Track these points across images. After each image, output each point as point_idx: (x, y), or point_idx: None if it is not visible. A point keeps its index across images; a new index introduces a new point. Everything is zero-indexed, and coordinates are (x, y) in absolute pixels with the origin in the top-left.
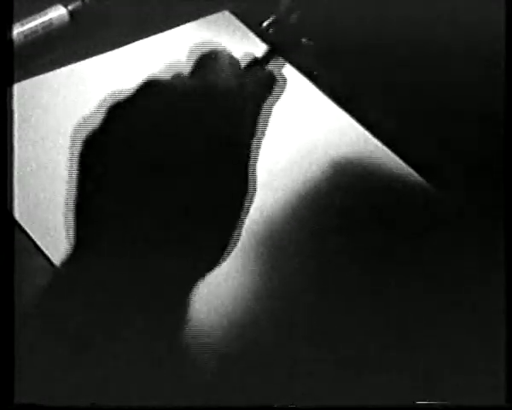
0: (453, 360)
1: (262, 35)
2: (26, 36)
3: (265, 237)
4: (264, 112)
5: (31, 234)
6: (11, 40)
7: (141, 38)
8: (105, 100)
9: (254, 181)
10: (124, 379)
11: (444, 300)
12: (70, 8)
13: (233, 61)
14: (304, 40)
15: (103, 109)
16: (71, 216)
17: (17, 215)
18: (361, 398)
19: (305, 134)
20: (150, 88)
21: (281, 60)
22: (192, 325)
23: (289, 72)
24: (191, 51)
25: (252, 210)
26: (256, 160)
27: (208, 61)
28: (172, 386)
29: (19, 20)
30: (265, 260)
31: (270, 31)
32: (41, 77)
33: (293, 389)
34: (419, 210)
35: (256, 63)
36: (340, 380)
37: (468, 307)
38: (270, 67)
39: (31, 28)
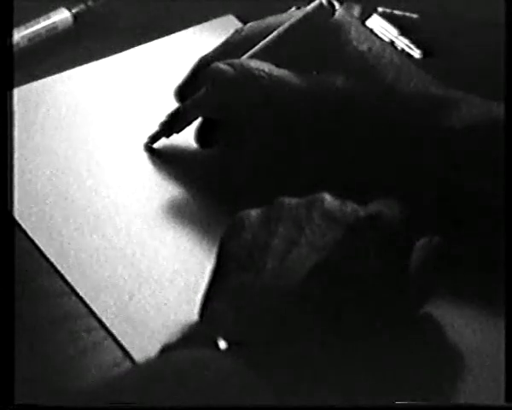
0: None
1: None
2: (29, 39)
3: None
4: None
5: (31, 235)
6: (11, 44)
7: (145, 41)
8: None
9: None
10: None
11: (443, 299)
12: (74, 11)
13: None
14: None
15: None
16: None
17: (17, 216)
18: (361, 398)
19: None
20: None
21: None
22: None
23: None
24: None
25: None
26: None
27: None
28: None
29: (22, 24)
30: None
31: None
32: (44, 80)
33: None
34: None
35: None
36: (339, 378)
37: (468, 307)
38: None
39: (34, 31)
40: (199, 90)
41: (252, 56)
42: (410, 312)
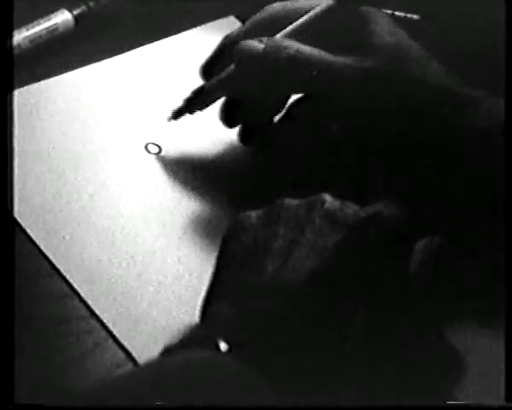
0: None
1: None
2: (30, 40)
3: None
4: None
5: (32, 235)
6: (11, 46)
7: (146, 43)
8: None
9: None
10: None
11: (444, 299)
12: (75, 13)
13: None
14: None
15: None
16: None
17: (18, 216)
18: (360, 398)
19: None
20: None
21: None
22: None
23: None
24: None
25: None
26: None
27: None
28: None
29: (23, 25)
30: None
31: None
32: (45, 81)
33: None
34: None
35: None
36: (340, 379)
37: (468, 307)
38: None
39: (35, 33)
40: (224, 69)
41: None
42: (410, 312)
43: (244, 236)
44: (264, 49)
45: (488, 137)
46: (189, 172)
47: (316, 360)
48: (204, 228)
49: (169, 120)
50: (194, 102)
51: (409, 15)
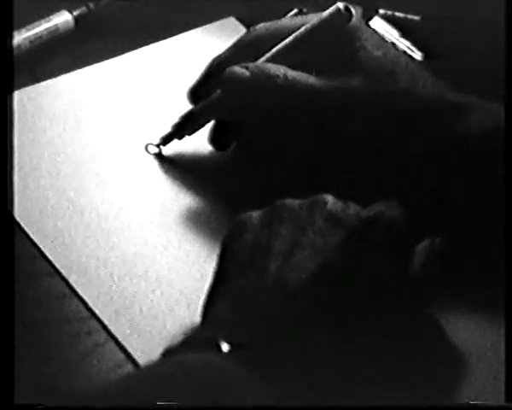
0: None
1: None
2: (31, 41)
3: None
4: None
5: (32, 236)
6: (11, 47)
7: (146, 44)
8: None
9: None
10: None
11: (444, 299)
12: (75, 13)
13: None
14: None
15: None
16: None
17: (18, 217)
18: (362, 398)
19: None
20: None
21: None
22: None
23: None
24: None
25: None
26: None
27: None
28: None
29: (24, 26)
30: None
31: None
32: (45, 82)
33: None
34: None
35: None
36: (340, 379)
37: (468, 307)
38: None
39: (36, 34)
40: (212, 93)
41: (267, 60)
42: (411, 312)
43: (245, 236)
44: (250, 76)
45: (483, 142)
46: (189, 172)
47: (316, 360)
48: (204, 228)
49: (158, 145)
50: (183, 127)
51: (409, 16)
